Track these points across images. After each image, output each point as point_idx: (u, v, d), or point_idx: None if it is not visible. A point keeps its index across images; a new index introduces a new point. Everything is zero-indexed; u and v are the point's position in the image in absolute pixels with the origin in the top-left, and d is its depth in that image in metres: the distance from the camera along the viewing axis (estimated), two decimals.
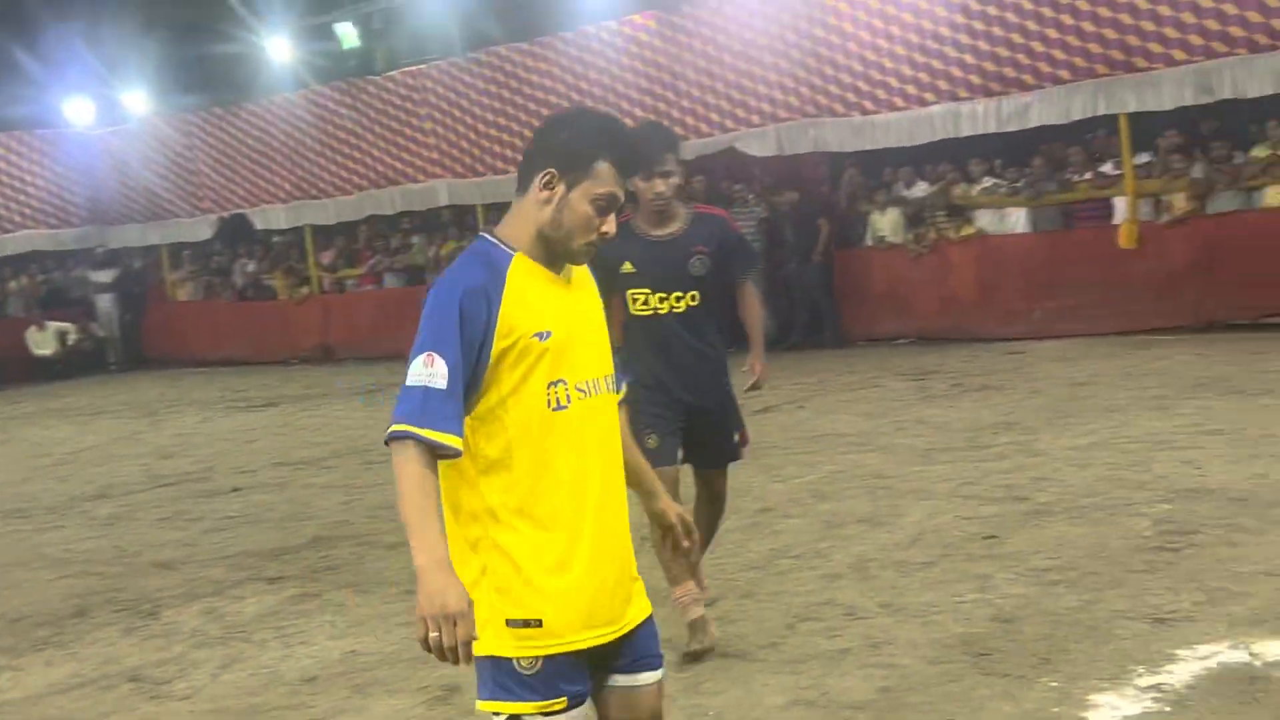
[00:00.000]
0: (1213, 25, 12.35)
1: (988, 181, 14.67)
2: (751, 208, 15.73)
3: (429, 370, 2.70)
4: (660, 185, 5.04)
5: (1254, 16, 12.11)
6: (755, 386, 5.53)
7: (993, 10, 13.58)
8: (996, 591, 5.55)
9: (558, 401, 2.82)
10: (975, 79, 13.83)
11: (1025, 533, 6.40)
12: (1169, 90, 12.66)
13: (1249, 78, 12.22)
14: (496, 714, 2.81)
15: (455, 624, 2.55)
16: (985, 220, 14.62)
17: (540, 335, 2.80)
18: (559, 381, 2.82)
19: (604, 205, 2.85)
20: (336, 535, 8.14)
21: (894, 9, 14.23)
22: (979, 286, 14.44)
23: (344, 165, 19.82)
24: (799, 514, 7.30)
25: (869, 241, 15.39)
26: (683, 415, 5.26)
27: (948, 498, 7.30)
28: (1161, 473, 7.26)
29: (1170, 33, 12.58)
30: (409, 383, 2.71)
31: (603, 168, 2.84)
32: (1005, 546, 6.20)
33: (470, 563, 2.78)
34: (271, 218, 20.91)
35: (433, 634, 2.55)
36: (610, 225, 2.89)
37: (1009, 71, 13.62)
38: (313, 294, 20.79)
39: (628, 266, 5.16)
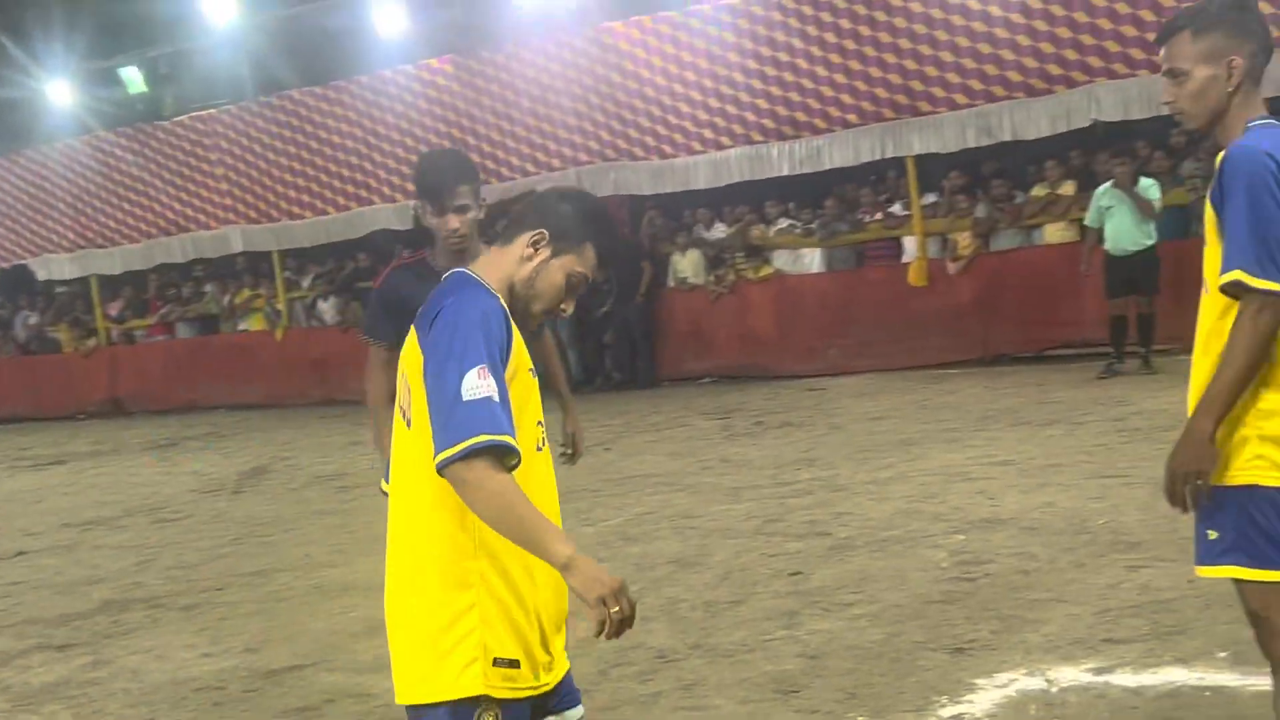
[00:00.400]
0: (991, 71, 12.92)
1: (784, 222, 15.01)
2: None
3: (485, 382, 2.63)
4: (454, 221, 4.38)
5: (1030, 62, 12.71)
6: (573, 458, 4.96)
7: (783, 56, 13.96)
8: (803, 628, 5.62)
9: (538, 441, 2.87)
10: (769, 123, 14.17)
11: (829, 568, 6.51)
12: (952, 133, 13.18)
13: (1027, 121, 12.81)
14: None
15: (624, 593, 2.55)
16: (782, 260, 14.96)
17: (533, 370, 2.86)
18: (541, 422, 2.88)
19: (575, 283, 2.91)
20: (129, 598, 7.80)
21: (689, 55, 14.50)
22: (778, 325, 14.74)
23: (131, 213, 19.22)
24: (609, 557, 7.28)
25: (671, 283, 15.58)
26: None
27: (754, 535, 7.38)
28: (956, 504, 7.48)
29: (952, 78, 13.11)
30: (469, 397, 2.61)
31: (589, 250, 2.92)
32: (810, 582, 6.30)
33: (458, 600, 2.70)
34: (55, 268, 20.13)
35: (614, 611, 2.52)
36: (570, 306, 2.95)
37: (801, 115, 13.99)
38: (100, 346, 20.05)
39: None
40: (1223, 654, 4.66)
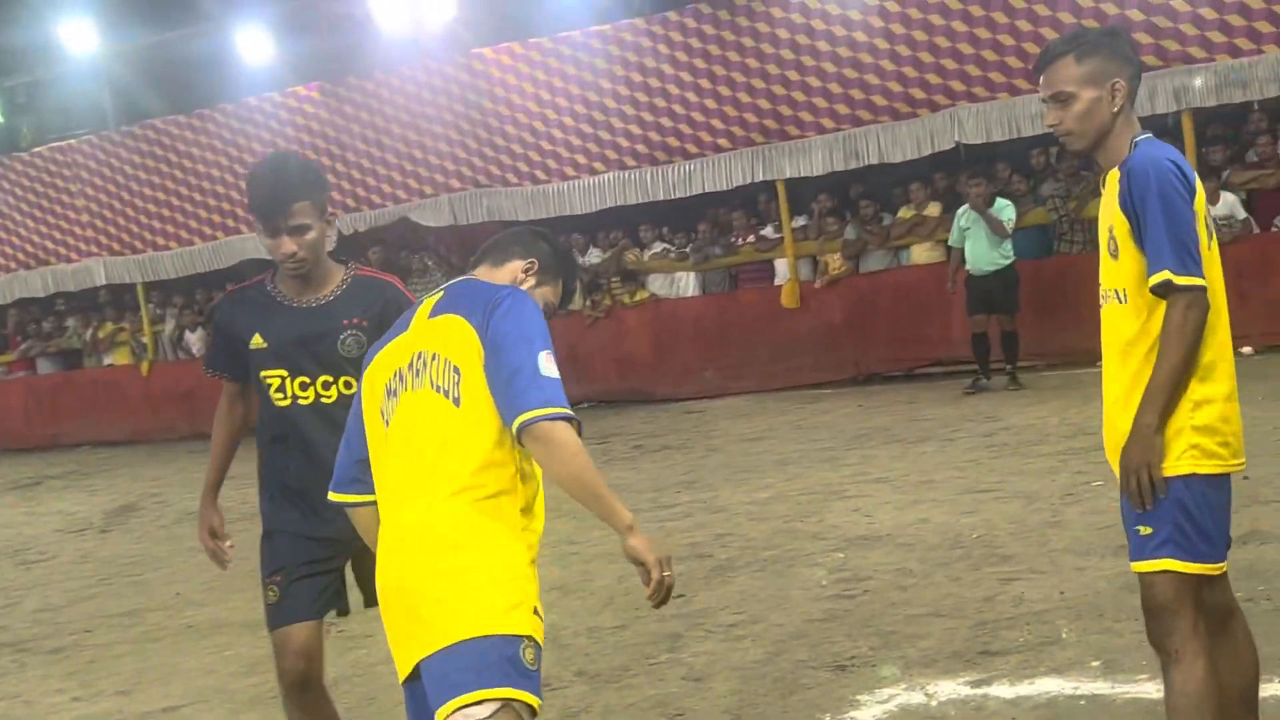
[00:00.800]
0: (857, 95, 13.17)
1: (658, 246, 15.10)
2: (432, 273, 15.64)
3: (554, 365, 2.96)
4: (290, 244, 3.86)
5: (894, 87, 12.98)
6: None
7: (654, 82, 14.08)
8: (687, 650, 5.64)
9: None
10: (642, 148, 14.26)
11: (711, 590, 6.54)
12: (820, 156, 13.40)
13: (893, 144, 13.07)
14: (505, 703, 2.85)
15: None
16: (657, 284, 15.04)
17: None
18: None
19: (548, 313, 3.20)
20: None
21: (560, 81, 14.55)
22: (654, 349, 14.81)
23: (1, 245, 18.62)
24: None
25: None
26: (328, 548, 3.97)
27: None
28: (834, 522, 7.58)
29: (819, 103, 13.34)
30: (546, 374, 2.92)
31: (561, 286, 3.31)
32: (693, 605, 6.32)
33: (523, 558, 3.02)
34: None
35: (667, 574, 2.92)
36: None
37: (673, 140, 14.11)
38: None
39: (258, 340, 4.00)
40: (1095, 663, 4.78)
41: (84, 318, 18.85)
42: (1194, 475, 3.16)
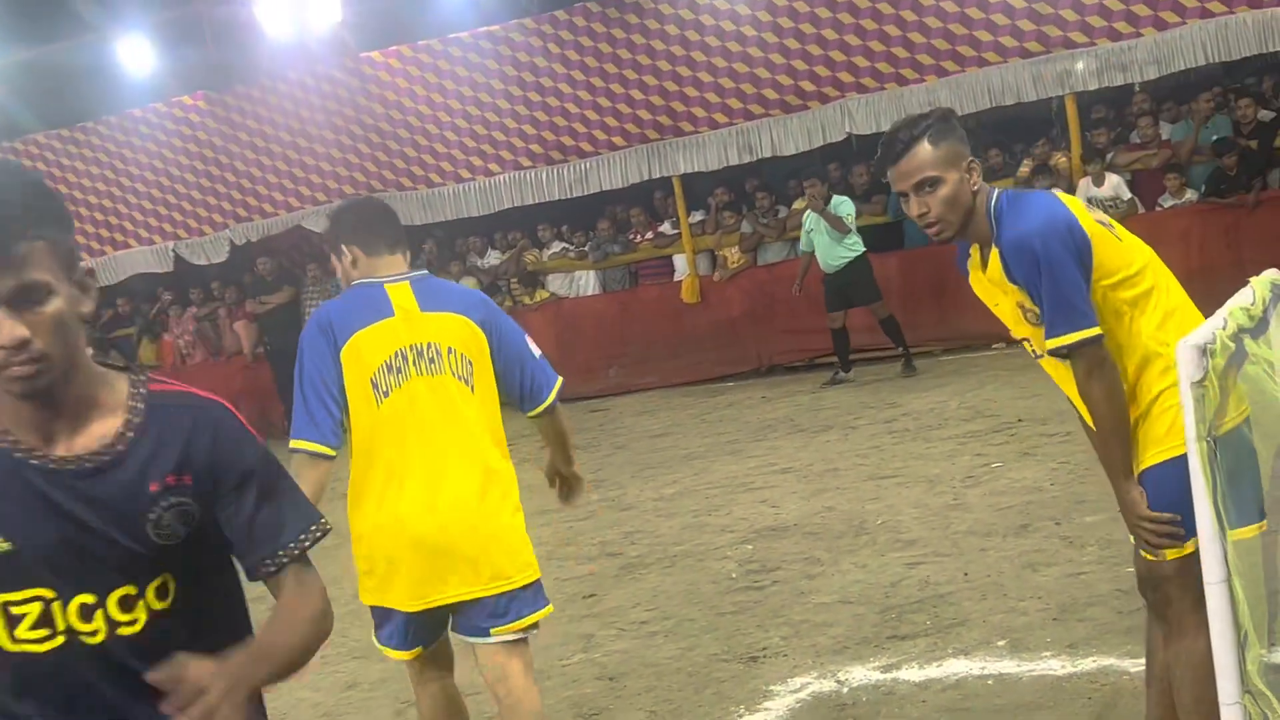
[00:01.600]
0: (749, 90, 13.25)
1: (557, 246, 15.06)
2: (323, 282, 15.46)
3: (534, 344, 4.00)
4: (13, 328, 1.96)
5: (784, 80, 13.09)
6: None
7: (546, 82, 14.05)
8: (600, 650, 5.64)
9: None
10: (536, 148, 14.22)
11: (622, 587, 6.55)
12: (714, 151, 13.46)
13: (785, 136, 13.17)
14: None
15: None
16: (557, 284, 15.01)
17: None
18: None
19: None
20: None
21: (451, 83, 14.46)
22: (558, 349, 14.68)
23: None
24: None
25: None
26: None
27: (545, 560, 7.31)
28: (741, 515, 7.62)
29: (712, 98, 13.40)
30: (539, 355, 3.99)
31: None
32: (604, 603, 6.32)
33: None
34: None
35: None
36: None
37: (567, 140, 14.09)
38: None
39: None
40: (1001, 642, 4.86)
41: None
42: (1172, 459, 3.09)
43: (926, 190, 3.21)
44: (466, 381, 3.71)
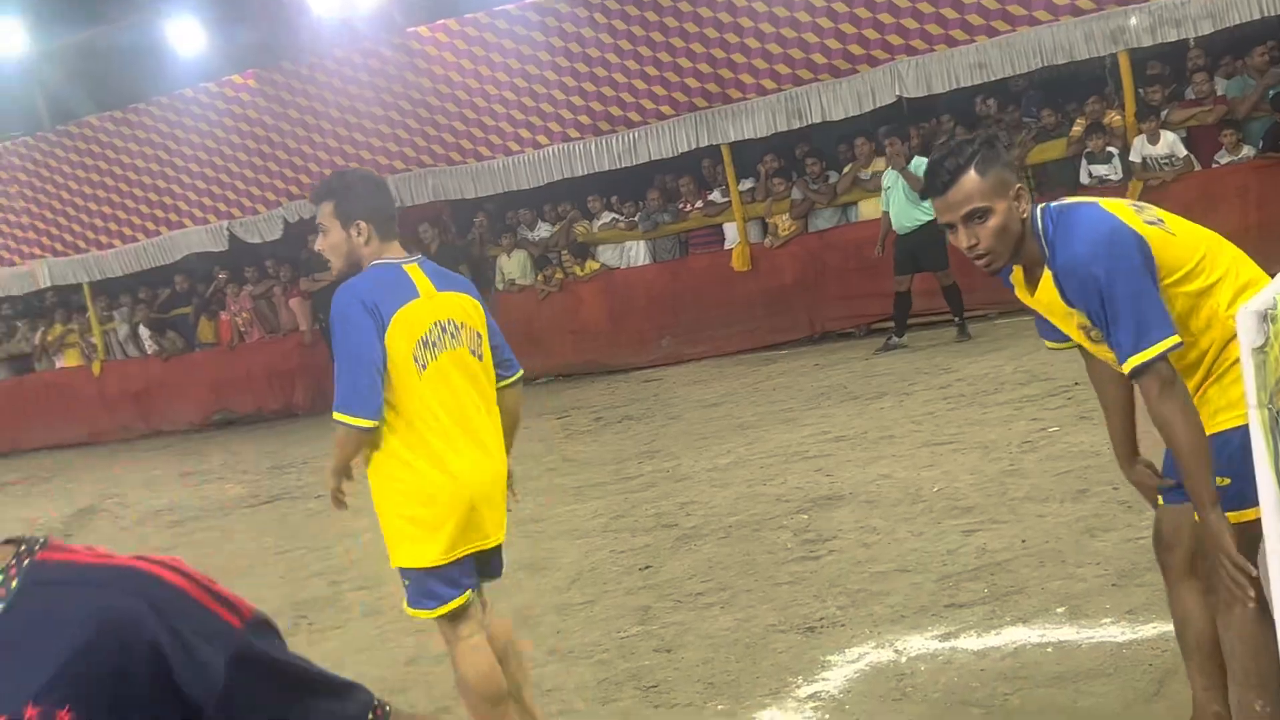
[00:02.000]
0: (797, 55, 13.15)
1: (607, 217, 15.05)
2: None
3: None
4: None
5: (832, 44, 12.97)
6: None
7: (593, 53, 14.00)
8: (657, 621, 5.66)
9: None
10: (585, 119, 14.20)
11: (678, 559, 6.56)
12: (763, 118, 13.38)
13: (834, 101, 13.07)
14: None
15: None
16: (608, 255, 15.00)
17: None
18: None
19: None
20: None
21: (499, 56, 14.45)
22: (609, 320, 14.79)
23: None
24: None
25: (499, 285, 15.50)
26: None
27: (601, 533, 7.40)
28: (796, 484, 7.61)
29: (759, 64, 13.31)
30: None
31: None
32: (661, 575, 6.34)
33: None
34: None
35: None
36: None
37: (615, 110, 14.05)
38: None
39: None
40: (1060, 609, 4.83)
41: (31, 321, 18.64)
42: (1233, 429, 3.02)
43: (976, 221, 3.09)
44: (477, 353, 4.15)
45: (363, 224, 4.04)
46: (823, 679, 4.65)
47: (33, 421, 17.85)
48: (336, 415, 3.96)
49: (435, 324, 4.04)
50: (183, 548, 9.17)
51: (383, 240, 4.09)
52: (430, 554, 4.01)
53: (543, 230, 15.43)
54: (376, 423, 3.95)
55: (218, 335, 16.96)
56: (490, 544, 4.15)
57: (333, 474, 4.12)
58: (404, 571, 4.09)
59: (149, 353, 17.36)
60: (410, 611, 4.14)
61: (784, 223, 13.86)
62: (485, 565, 4.22)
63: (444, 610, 4.06)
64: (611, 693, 4.93)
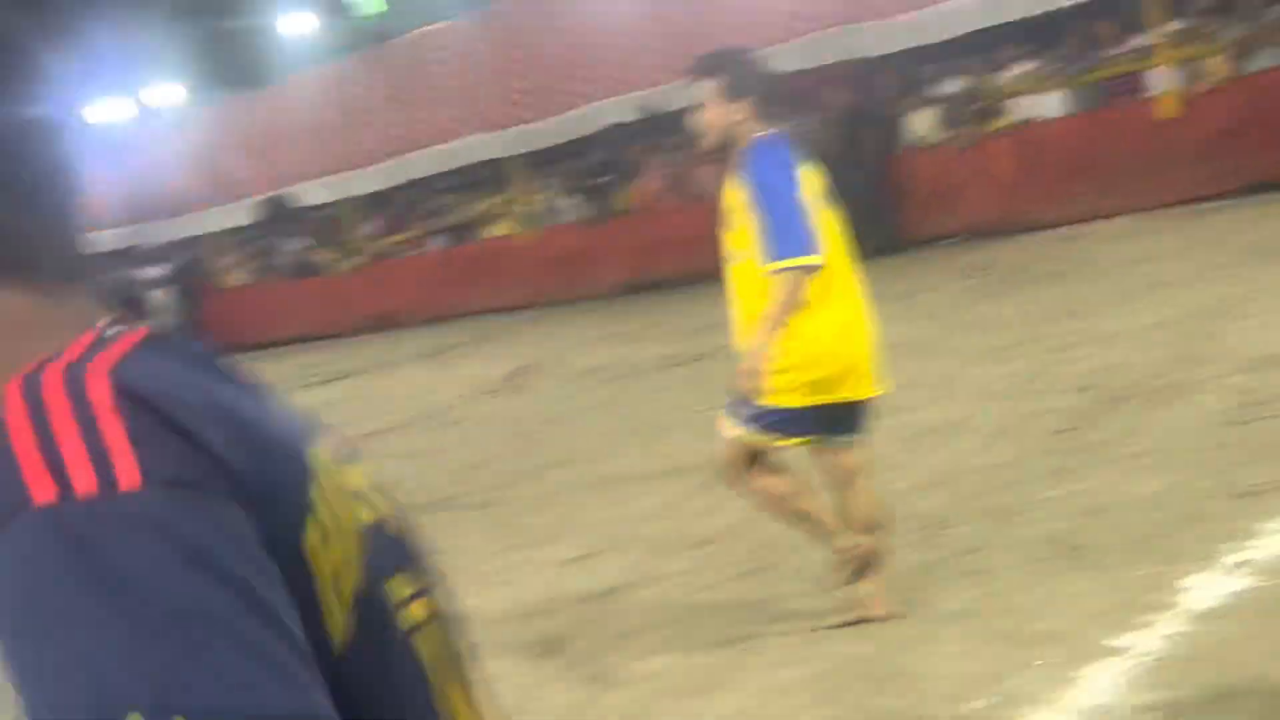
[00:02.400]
0: None
1: (1018, 69, 14.53)
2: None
3: None
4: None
5: None
6: None
7: None
8: (1079, 484, 5.63)
9: None
10: None
11: (1100, 421, 6.46)
12: None
13: None
14: None
15: None
16: (1020, 108, 14.51)
17: None
18: None
19: None
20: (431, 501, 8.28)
21: None
22: (1023, 173, 14.35)
23: (384, 132, 19.82)
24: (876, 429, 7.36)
25: (909, 143, 15.30)
26: None
27: (1019, 395, 7.36)
28: (1229, 345, 7.28)
29: None
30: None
31: None
32: (1085, 437, 6.28)
33: None
34: (311, 194, 21.02)
35: None
36: None
37: None
38: (362, 265, 20.93)
39: None
40: None
41: (467, 194, 19.95)
42: None
43: None
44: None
45: (746, 103, 4.23)
46: (1251, 546, 4.54)
47: (472, 287, 19.16)
48: (786, 262, 4.19)
49: (818, 189, 4.46)
50: (611, 405, 9.76)
51: (760, 120, 4.37)
52: (794, 396, 4.44)
53: (952, 84, 15.07)
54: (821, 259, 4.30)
55: (636, 203, 17.63)
56: (863, 395, 4.56)
57: (769, 332, 4.24)
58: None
59: (573, 220, 18.27)
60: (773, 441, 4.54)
61: (1216, 65, 12.95)
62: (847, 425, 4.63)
63: (792, 441, 4.55)
64: (1032, 551, 4.98)
